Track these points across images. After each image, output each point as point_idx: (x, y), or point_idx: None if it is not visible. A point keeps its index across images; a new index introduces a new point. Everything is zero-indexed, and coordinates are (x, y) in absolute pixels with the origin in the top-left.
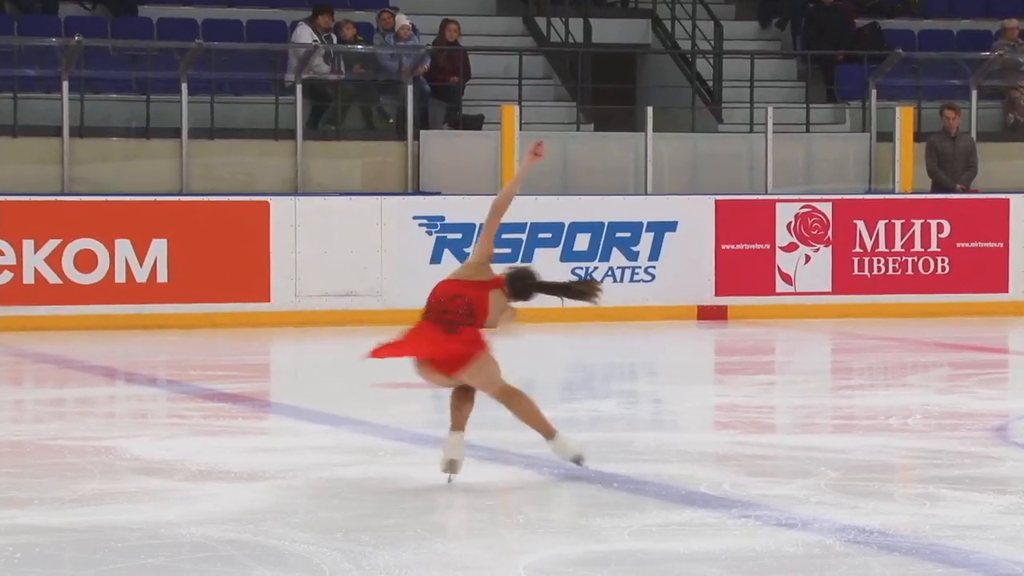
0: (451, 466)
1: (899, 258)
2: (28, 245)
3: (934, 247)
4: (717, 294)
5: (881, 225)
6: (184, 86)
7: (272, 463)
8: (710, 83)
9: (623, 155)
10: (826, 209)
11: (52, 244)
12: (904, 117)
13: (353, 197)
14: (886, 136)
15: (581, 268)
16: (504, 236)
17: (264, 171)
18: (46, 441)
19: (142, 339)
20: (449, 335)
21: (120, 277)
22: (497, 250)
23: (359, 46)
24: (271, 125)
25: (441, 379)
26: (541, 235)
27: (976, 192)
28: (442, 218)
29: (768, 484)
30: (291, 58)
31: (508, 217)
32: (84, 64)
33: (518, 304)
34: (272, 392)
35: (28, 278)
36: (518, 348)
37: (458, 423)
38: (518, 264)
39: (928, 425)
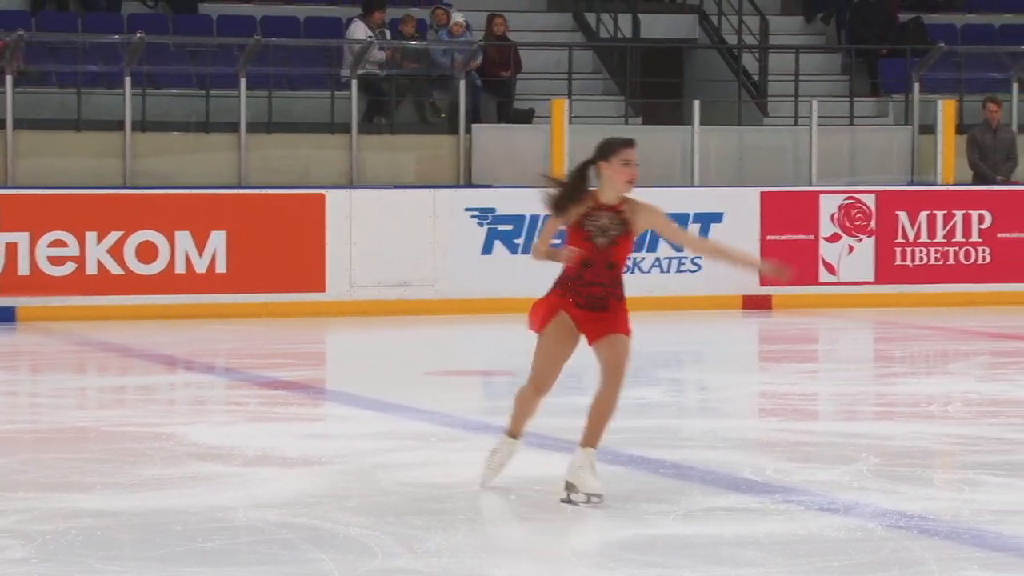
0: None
1: (941, 248)
2: (91, 237)
3: (975, 237)
4: (762, 284)
5: (923, 216)
6: (242, 81)
7: (327, 449)
8: (756, 77)
9: (670, 148)
10: (869, 200)
11: (114, 236)
12: (946, 110)
13: (407, 189)
14: (928, 128)
15: (628, 258)
16: None
17: (320, 164)
18: (109, 427)
19: (201, 328)
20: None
21: (180, 268)
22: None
23: (413, 42)
24: (327, 119)
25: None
26: None
27: (1017, 183)
28: (493, 210)
29: (811, 470)
30: (346, 54)
31: None
32: (146, 60)
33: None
34: (327, 380)
35: (91, 269)
36: None
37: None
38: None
39: (969, 412)
